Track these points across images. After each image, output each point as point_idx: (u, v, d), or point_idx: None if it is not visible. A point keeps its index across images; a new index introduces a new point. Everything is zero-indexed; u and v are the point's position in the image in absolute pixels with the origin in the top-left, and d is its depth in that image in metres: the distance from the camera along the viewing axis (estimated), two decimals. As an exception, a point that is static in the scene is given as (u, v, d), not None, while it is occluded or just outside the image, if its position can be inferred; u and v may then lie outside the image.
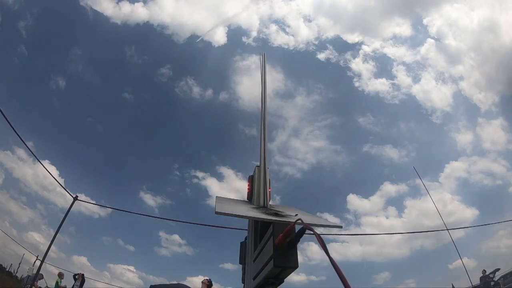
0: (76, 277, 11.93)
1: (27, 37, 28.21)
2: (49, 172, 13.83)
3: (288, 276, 1.45)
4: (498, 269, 12.73)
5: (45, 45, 30.76)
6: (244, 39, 32.83)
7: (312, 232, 1.25)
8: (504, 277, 12.88)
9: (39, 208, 25.97)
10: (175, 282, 11.67)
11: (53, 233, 12.59)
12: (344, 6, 34.68)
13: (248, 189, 2.32)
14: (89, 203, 19.67)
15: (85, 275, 12.09)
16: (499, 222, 14.92)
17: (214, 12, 36.65)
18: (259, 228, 1.80)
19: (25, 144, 12.01)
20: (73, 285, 11.93)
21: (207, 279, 7.23)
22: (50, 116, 32.06)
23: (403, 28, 32.56)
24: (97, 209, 27.29)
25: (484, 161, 27.91)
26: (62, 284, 12.14)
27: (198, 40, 31.65)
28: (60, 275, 12.40)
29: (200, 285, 6.73)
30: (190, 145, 36.95)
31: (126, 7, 30.91)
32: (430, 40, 31.29)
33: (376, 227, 29.23)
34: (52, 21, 30.04)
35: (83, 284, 11.95)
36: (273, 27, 32.58)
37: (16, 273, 20.27)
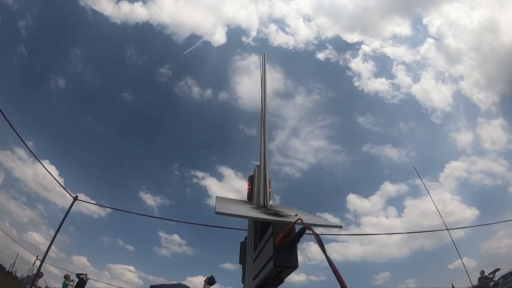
0: (81, 276, 11.97)
1: (27, 37, 28.27)
2: (49, 172, 13.86)
3: (288, 276, 1.46)
4: (498, 269, 12.71)
5: (44, 45, 30.87)
6: (243, 38, 32.94)
7: (311, 232, 1.25)
8: (504, 277, 12.86)
9: (39, 208, 25.98)
10: (175, 282, 11.68)
11: (53, 233, 12.63)
12: (344, 5, 34.80)
13: (248, 189, 2.32)
14: (89, 203, 19.74)
15: (86, 277, 12.10)
16: (499, 222, 14.94)
17: (213, 12, 36.71)
18: (259, 228, 1.80)
19: (25, 144, 12.04)
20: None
21: (207, 277, 7.25)
22: (50, 116, 32.13)
23: (403, 27, 32.70)
24: (97, 209, 27.34)
25: (484, 161, 27.98)
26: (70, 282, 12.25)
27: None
28: (67, 277, 12.47)
29: (200, 285, 6.75)
30: (190, 145, 37.02)
31: (125, 7, 30.98)
32: (430, 40, 31.44)
33: (376, 227, 29.32)
34: (52, 21, 30.08)
35: (82, 285, 11.95)
36: (273, 27, 32.70)
37: (16, 272, 20.30)
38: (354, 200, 30.79)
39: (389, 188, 29.93)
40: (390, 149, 32.00)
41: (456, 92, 30.39)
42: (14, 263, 20.28)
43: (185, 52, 32.00)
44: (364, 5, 34.05)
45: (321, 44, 32.57)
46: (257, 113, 2.54)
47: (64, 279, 12.49)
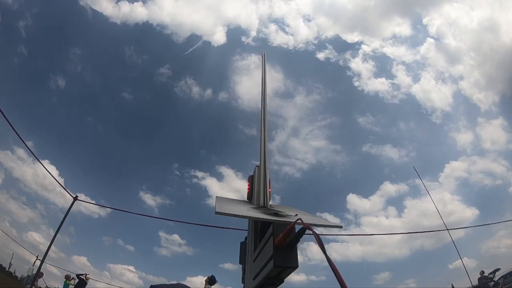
0: (81, 276, 11.99)
1: (27, 37, 28.27)
2: (49, 172, 13.86)
3: (288, 276, 1.46)
4: (498, 269, 12.72)
5: (44, 45, 30.87)
6: (243, 38, 32.91)
7: (311, 232, 1.25)
8: (504, 277, 12.87)
9: (39, 208, 25.97)
10: (175, 282, 11.68)
11: (53, 233, 12.63)
12: (344, 5, 34.79)
13: (248, 189, 2.32)
14: (89, 203, 19.75)
15: (86, 276, 12.10)
16: (499, 222, 14.95)
17: (213, 12, 36.70)
18: (259, 228, 1.80)
19: (25, 144, 12.04)
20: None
21: (208, 277, 7.26)
22: (50, 116, 32.12)
23: (403, 27, 32.68)
24: (97, 209, 27.33)
25: (484, 161, 27.96)
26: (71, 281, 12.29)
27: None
28: (68, 277, 12.50)
29: (201, 285, 6.76)
30: (190, 145, 37.00)
31: (125, 7, 30.98)
32: (429, 40, 31.43)
33: (376, 227, 29.29)
34: (52, 20, 30.08)
35: (83, 285, 11.96)
36: (273, 27, 32.68)
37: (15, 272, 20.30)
38: (354, 200, 30.81)
39: (389, 188, 29.96)
40: (390, 149, 32.03)
41: (456, 92, 30.42)
42: (10, 262, 20.29)
43: (188, 52, 32.03)
44: (364, 5, 34.07)
45: (321, 44, 32.60)
46: (257, 113, 2.54)
47: (65, 279, 12.52)
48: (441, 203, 26.10)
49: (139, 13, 31.31)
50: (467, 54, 30.43)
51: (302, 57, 33.75)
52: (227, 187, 30.38)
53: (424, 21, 31.69)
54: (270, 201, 2.07)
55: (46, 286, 14.94)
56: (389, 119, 34.42)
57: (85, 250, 27.67)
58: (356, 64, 32.74)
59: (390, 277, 25.52)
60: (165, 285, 8.76)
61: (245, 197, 2.36)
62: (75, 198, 12.83)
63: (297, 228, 1.36)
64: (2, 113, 8.81)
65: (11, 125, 9.55)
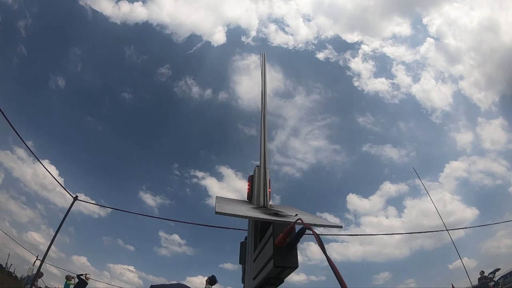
0: (82, 277, 11.99)
1: (27, 36, 28.24)
2: (49, 172, 13.84)
3: (288, 276, 1.46)
4: (498, 269, 12.72)
5: (44, 44, 30.78)
6: (243, 38, 32.80)
7: (311, 232, 1.25)
8: (504, 277, 12.89)
9: (39, 208, 25.88)
10: (175, 282, 11.70)
11: (53, 233, 12.65)
12: (344, 5, 34.65)
13: (248, 189, 2.32)
14: (89, 203, 19.72)
15: (86, 276, 12.11)
16: (499, 223, 14.97)
17: (213, 12, 36.68)
18: (259, 228, 1.80)
19: (25, 144, 12.03)
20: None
21: (208, 277, 7.27)
22: (50, 116, 32.03)
23: (403, 27, 32.52)
24: (97, 209, 27.24)
25: (484, 161, 27.88)
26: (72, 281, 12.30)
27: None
28: (68, 278, 12.50)
29: (201, 285, 6.77)
30: (190, 144, 36.93)
31: (125, 7, 30.85)
32: (429, 40, 31.27)
33: (376, 227, 29.21)
34: (52, 20, 30.03)
35: (83, 285, 11.96)
36: (272, 27, 32.54)
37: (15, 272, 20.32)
38: (354, 200, 30.72)
39: (389, 188, 29.92)
40: (390, 149, 31.88)
41: (456, 92, 30.31)
42: (6, 263, 20.30)
43: (191, 51, 32.01)
44: (364, 5, 33.97)
45: (320, 44, 32.45)
46: (257, 113, 2.55)
47: (65, 280, 12.53)
48: (441, 203, 26.06)
49: (139, 13, 31.23)
50: (467, 54, 30.38)
51: (302, 57, 33.64)
52: (227, 187, 30.34)
53: (424, 21, 31.62)
54: (270, 201, 2.07)
55: (46, 286, 14.96)
56: (389, 119, 34.31)
57: (85, 250, 27.61)
58: (356, 64, 32.63)
59: (390, 277, 25.48)
60: (165, 285, 8.78)
61: (245, 197, 2.36)
62: (75, 198, 12.84)
63: (297, 228, 1.36)
64: (2, 113, 8.81)
65: (11, 125, 9.56)
